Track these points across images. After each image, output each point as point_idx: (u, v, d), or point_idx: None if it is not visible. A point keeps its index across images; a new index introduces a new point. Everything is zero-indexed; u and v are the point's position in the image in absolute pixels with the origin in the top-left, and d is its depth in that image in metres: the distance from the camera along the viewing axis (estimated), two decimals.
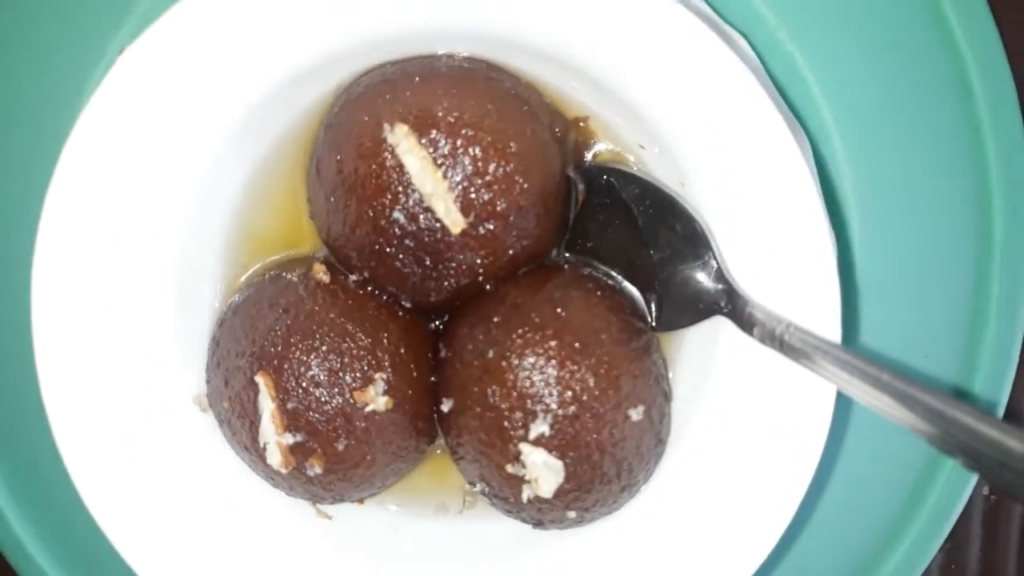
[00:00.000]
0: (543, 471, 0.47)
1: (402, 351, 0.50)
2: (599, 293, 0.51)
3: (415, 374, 0.51)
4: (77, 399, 0.51)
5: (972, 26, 0.56)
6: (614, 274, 0.54)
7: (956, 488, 0.61)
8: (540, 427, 0.47)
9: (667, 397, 0.53)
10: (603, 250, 0.54)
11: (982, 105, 0.57)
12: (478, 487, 0.51)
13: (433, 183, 0.47)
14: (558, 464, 0.47)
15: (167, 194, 0.51)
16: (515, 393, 0.47)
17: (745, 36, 0.54)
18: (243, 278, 0.55)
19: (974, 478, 0.61)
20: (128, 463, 0.52)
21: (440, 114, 0.47)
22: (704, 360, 0.53)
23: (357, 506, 0.57)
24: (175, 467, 0.53)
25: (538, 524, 0.51)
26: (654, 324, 0.54)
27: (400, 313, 0.52)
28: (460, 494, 0.59)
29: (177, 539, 0.52)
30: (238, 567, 0.52)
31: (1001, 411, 0.57)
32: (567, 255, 0.55)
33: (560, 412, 0.47)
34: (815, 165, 0.54)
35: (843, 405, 0.58)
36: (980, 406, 0.57)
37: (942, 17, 0.56)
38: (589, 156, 0.54)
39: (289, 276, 0.52)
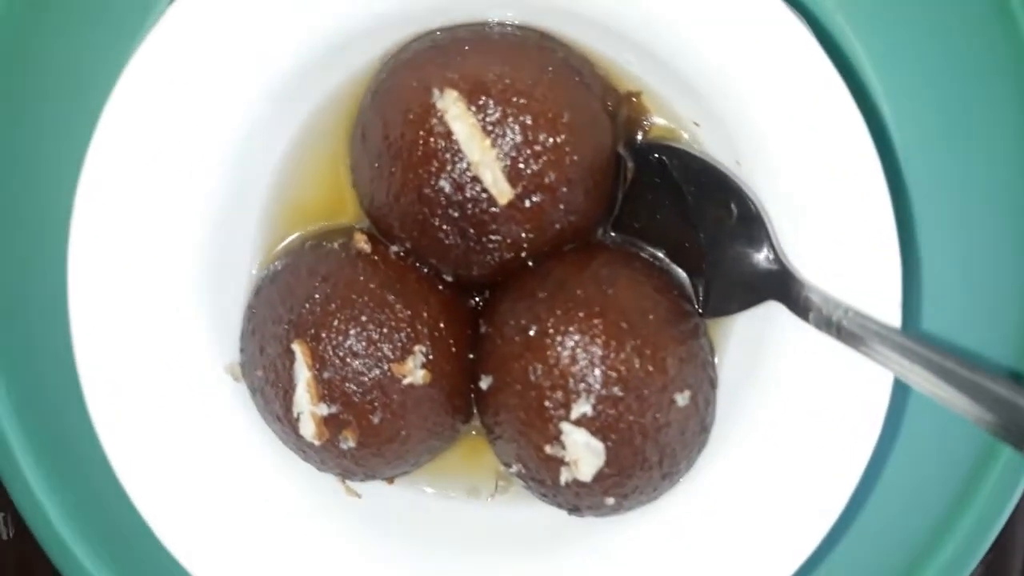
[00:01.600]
0: (584, 453, 0.45)
1: (442, 325, 0.49)
2: (646, 273, 0.50)
3: (454, 349, 0.49)
4: (110, 363, 0.50)
5: None
6: (662, 256, 0.52)
7: (1005, 491, 0.58)
8: (583, 407, 0.45)
9: (713, 384, 0.51)
10: (651, 231, 0.53)
11: None
12: (514, 468, 0.49)
13: (481, 151, 0.45)
14: (599, 446, 0.45)
15: (206, 160, 0.50)
16: (557, 371, 0.46)
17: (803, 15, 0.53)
18: (281, 247, 0.54)
19: (1022, 484, 0.59)
20: (158, 430, 0.51)
21: (491, 81, 0.46)
22: (753, 349, 0.51)
23: (386, 485, 0.56)
24: (205, 437, 0.52)
25: (574, 510, 0.50)
26: (701, 310, 0.52)
27: (441, 287, 0.50)
28: (492, 477, 0.57)
29: (202, 510, 0.51)
30: (263, 542, 0.51)
31: None
32: (613, 235, 0.53)
33: (604, 393, 0.45)
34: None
35: (893, 401, 0.57)
36: None
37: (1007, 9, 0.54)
38: (641, 132, 0.53)
39: (329, 245, 0.50)
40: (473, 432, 0.56)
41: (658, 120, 0.52)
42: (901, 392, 0.56)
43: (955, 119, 0.55)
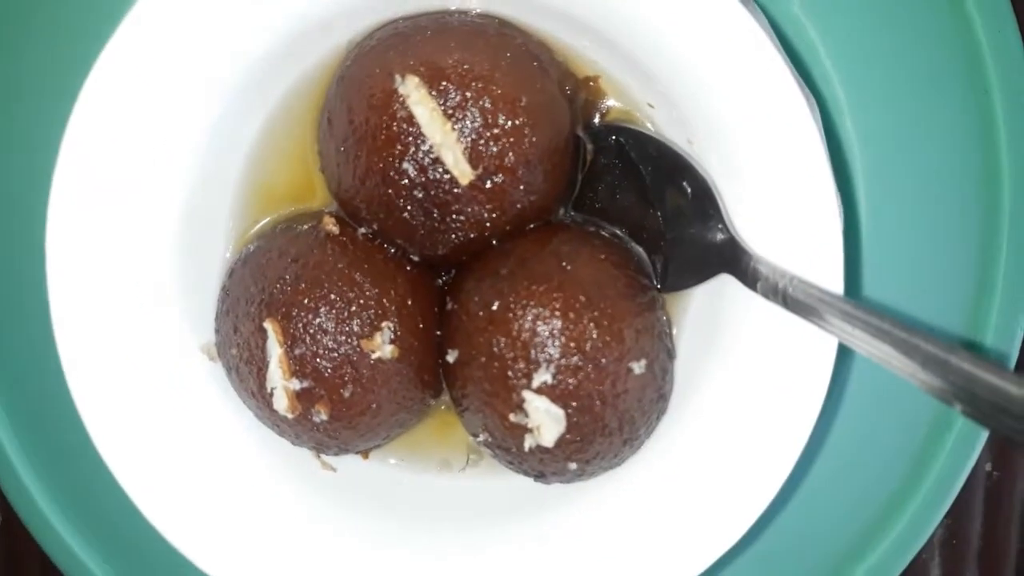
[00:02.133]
0: (545, 419, 0.48)
1: (409, 302, 0.51)
2: (605, 250, 0.52)
3: (421, 325, 0.51)
4: (90, 348, 0.52)
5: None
6: (620, 234, 0.54)
7: (959, 459, 0.61)
8: (543, 376, 0.47)
9: (670, 355, 0.53)
10: (611, 210, 0.55)
11: (991, 69, 0.57)
12: (481, 437, 0.51)
13: (443, 134, 0.47)
14: (560, 412, 0.48)
15: (178, 148, 0.52)
16: (519, 343, 0.48)
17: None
18: (253, 231, 0.56)
19: (977, 448, 0.61)
20: (138, 411, 0.53)
21: (451, 66, 0.48)
22: (709, 320, 0.54)
23: (360, 460, 0.58)
24: (183, 416, 0.54)
25: (540, 476, 0.52)
26: (659, 285, 0.54)
27: (408, 266, 0.52)
28: (464, 451, 0.59)
29: (182, 486, 0.53)
30: (241, 516, 0.53)
31: (1011, 364, 0.58)
32: (574, 214, 0.55)
33: (563, 362, 0.48)
34: (823, 128, 0.55)
35: (844, 374, 0.59)
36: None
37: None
38: (599, 115, 0.55)
39: (299, 228, 0.52)
40: (443, 407, 0.58)
41: (615, 103, 0.55)
42: (850, 369, 0.59)
43: (904, 96, 0.58)
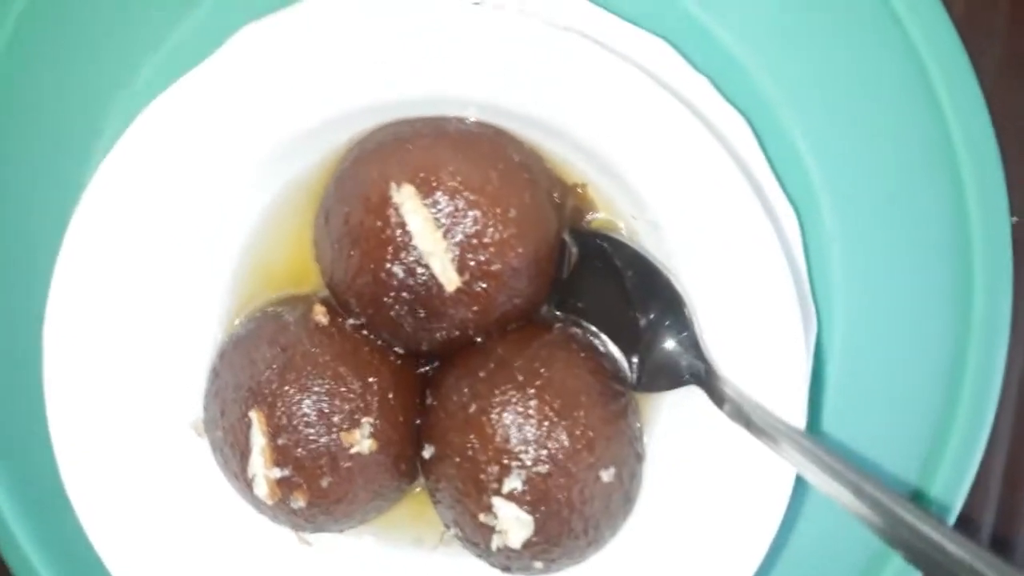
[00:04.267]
0: (513, 524, 0.49)
1: (390, 396, 0.53)
2: (583, 354, 0.54)
3: (401, 419, 0.53)
4: (79, 412, 0.54)
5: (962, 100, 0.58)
6: (600, 334, 0.57)
7: None
8: (514, 482, 0.49)
9: (639, 458, 0.55)
10: (592, 310, 0.57)
11: (972, 199, 0.59)
12: (452, 530, 0.53)
13: (432, 242, 0.50)
14: (528, 519, 0.49)
15: (182, 231, 0.54)
16: (492, 447, 0.50)
17: (747, 117, 0.57)
18: (247, 312, 0.58)
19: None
20: (123, 479, 0.55)
21: (444, 177, 0.50)
22: (680, 425, 0.56)
23: (337, 535, 0.60)
24: (168, 488, 0.55)
25: (506, 570, 0.54)
26: (635, 384, 0.56)
27: (392, 358, 0.54)
28: (438, 530, 0.61)
29: (163, 555, 0.55)
30: None
31: (953, 517, 0.59)
32: (557, 313, 0.57)
33: (534, 469, 0.50)
34: (803, 250, 0.57)
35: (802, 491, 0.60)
36: (932, 509, 0.59)
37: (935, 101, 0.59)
38: (585, 220, 0.57)
39: (290, 316, 0.54)
40: (418, 489, 0.60)
41: (600, 212, 0.57)
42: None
43: (892, 220, 0.59)
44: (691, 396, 0.55)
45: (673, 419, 0.57)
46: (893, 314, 0.59)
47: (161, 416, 0.56)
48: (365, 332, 0.54)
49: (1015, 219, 0.59)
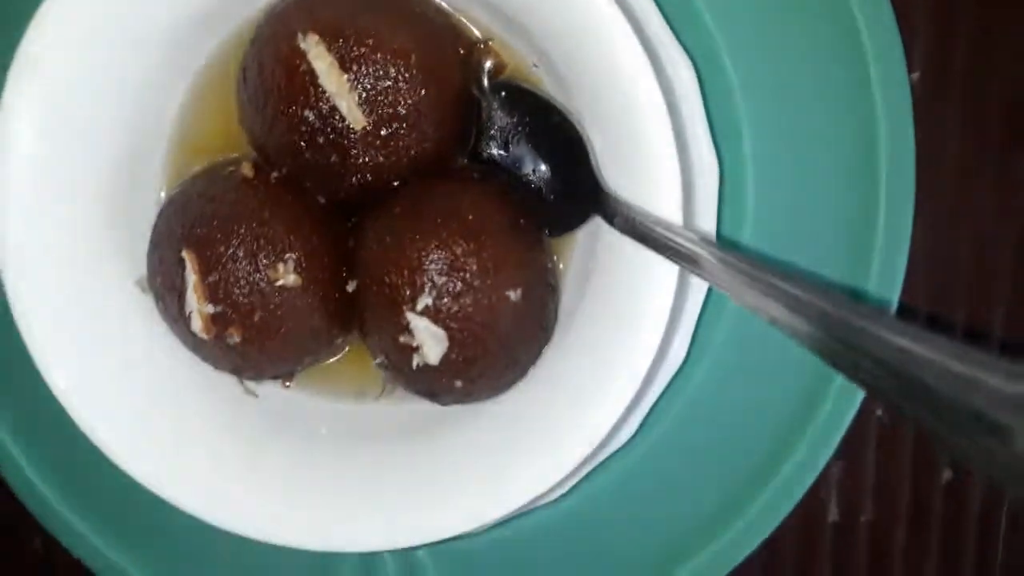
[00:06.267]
0: (427, 338, 0.54)
1: (314, 238, 0.57)
2: (493, 192, 0.58)
3: (326, 259, 0.57)
4: (40, 286, 0.58)
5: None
6: (514, 180, 0.61)
7: (847, 401, 0.66)
8: (425, 300, 0.54)
9: (552, 290, 0.59)
10: (503, 161, 0.61)
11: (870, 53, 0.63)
12: (379, 359, 0.58)
13: (338, 85, 0.54)
14: (440, 332, 0.54)
15: (115, 105, 0.58)
16: (406, 272, 0.54)
17: None
18: (184, 177, 0.62)
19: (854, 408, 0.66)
20: (82, 337, 0.59)
21: (349, 26, 0.54)
22: (586, 264, 0.60)
23: (281, 389, 0.64)
24: (118, 341, 0.60)
25: (433, 396, 0.58)
26: (548, 230, 0.60)
27: (317, 207, 0.58)
28: (379, 381, 0.65)
29: (120, 407, 0.59)
30: (166, 429, 0.59)
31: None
32: (470, 164, 0.61)
33: (445, 287, 0.54)
34: (699, 87, 0.61)
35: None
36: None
37: None
38: (492, 74, 0.61)
39: (220, 173, 0.59)
40: (358, 344, 0.64)
41: (507, 64, 0.61)
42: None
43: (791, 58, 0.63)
44: (595, 234, 0.59)
45: (580, 262, 0.61)
46: (801, 146, 0.64)
47: (112, 280, 0.60)
48: (288, 184, 0.58)
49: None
